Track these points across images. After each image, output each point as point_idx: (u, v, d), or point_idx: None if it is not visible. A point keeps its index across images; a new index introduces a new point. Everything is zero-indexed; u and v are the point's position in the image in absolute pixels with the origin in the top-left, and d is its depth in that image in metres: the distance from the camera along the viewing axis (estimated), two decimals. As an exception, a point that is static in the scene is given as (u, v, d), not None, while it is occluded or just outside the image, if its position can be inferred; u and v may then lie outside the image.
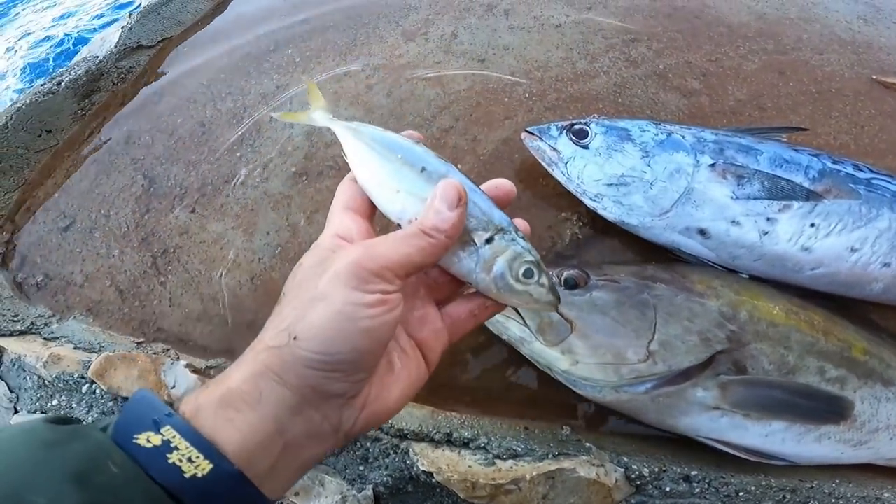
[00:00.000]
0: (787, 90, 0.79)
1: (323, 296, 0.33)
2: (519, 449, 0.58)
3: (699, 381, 0.54)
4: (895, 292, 0.60)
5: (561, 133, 0.66)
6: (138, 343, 0.74)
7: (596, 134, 0.65)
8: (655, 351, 0.54)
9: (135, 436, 0.30)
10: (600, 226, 0.68)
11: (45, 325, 0.76)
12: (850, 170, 0.61)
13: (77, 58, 1.02)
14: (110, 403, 0.65)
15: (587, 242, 0.68)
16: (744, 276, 0.62)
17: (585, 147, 0.64)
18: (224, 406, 0.32)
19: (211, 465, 0.30)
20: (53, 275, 0.82)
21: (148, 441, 0.30)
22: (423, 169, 0.40)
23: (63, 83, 0.96)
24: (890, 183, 0.61)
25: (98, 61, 0.99)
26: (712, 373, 0.54)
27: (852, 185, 0.60)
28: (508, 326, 0.60)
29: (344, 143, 0.45)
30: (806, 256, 0.59)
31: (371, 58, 0.90)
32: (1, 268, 0.85)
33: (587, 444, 0.58)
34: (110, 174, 0.88)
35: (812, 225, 0.59)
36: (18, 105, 0.93)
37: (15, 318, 0.76)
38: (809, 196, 0.59)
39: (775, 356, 0.54)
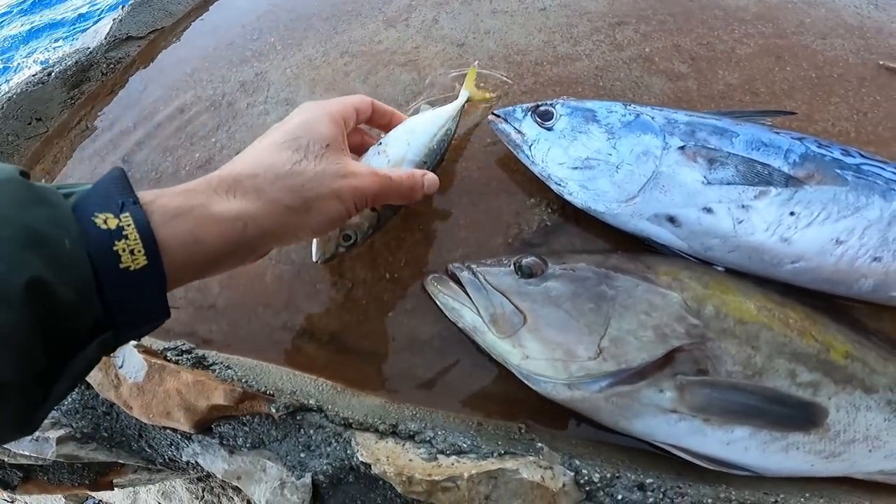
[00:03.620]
0: (784, 75, 0.74)
1: None
2: (464, 445, 0.55)
3: (655, 380, 0.50)
4: (886, 291, 0.54)
5: (526, 115, 0.63)
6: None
7: (561, 115, 0.62)
8: (606, 347, 0.51)
9: (96, 213, 0.32)
10: (570, 213, 0.65)
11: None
12: (837, 154, 0.56)
13: (69, 49, 1.04)
14: (61, 382, 0.65)
15: (556, 230, 0.65)
16: (720, 269, 0.58)
17: (550, 129, 0.61)
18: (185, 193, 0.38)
19: (146, 262, 0.32)
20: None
21: (105, 223, 0.32)
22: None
23: (53, 73, 0.99)
24: (882, 169, 0.56)
25: (88, 52, 1.01)
26: (670, 372, 0.50)
27: (838, 171, 0.55)
28: (462, 314, 0.57)
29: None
30: (785, 248, 0.55)
31: (351, 45, 0.89)
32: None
33: (539, 444, 0.55)
34: (92, 159, 0.89)
35: (792, 213, 0.54)
36: (9, 94, 0.96)
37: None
38: (788, 182, 0.55)
39: (741, 356, 0.49)
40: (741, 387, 0.49)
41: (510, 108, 0.64)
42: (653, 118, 0.58)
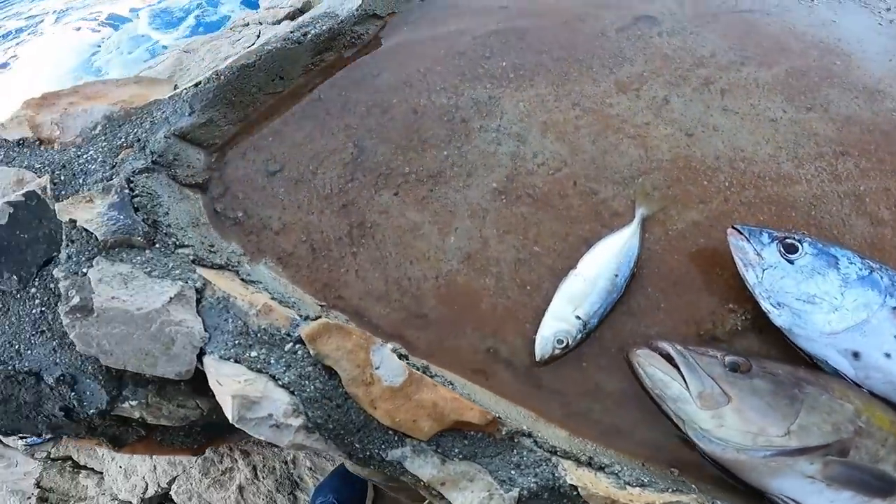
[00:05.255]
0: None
1: None
2: (645, 480, 0.80)
3: (812, 456, 0.75)
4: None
5: (772, 242, 0.81)
6: (321, 306, 0.88)
7: (806, 253, 0.81)
8: (794, 431, 0.76)
9: None
10: (758, 325, 0.89)
11: (238, 263, 0.91)
12: None
13: (319, 11, 1.20)
14: (309, 368, 0.78)
15: (741, 334, 0.87)
16: (865, 391, 0.82)
17: (790, 262, 0.78)
18: None
19: None
20: (252, 214, 1.00)
21: None
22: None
23: (309, 35, 1.14)
24: None
25: (339, 21, 1.17)
26: (823, 452, 0.75)
27: None
28: (670, 385, 0.81)
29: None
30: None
31: (582, 98, 1.04)
32: (202, 192, 0.99)
33: (692, 485, 0.79)
34: (323, 133, 1.10)
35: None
36: (269, 48, 1.11)
37: (212, 249, 0.91)
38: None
39: (872, 449, 0.76)
40: (865, 467, 0.75)
41: (756, 228, 0.82)
42: (881, 278, 0.78)
